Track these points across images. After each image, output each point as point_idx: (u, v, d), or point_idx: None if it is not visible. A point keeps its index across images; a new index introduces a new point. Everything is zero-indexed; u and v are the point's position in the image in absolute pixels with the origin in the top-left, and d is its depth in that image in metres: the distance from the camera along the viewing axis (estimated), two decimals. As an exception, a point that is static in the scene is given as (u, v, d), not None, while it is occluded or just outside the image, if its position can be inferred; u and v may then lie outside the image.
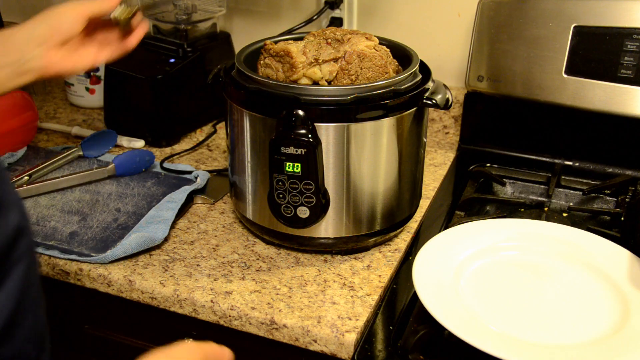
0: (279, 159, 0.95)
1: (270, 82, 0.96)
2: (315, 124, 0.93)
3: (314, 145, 0.93)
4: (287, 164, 0.95)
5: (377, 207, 1.02)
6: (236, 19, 1.54)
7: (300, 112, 0.93)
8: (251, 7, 1.51)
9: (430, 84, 1.01)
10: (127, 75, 1.36)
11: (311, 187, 0.96)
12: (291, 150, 0.94)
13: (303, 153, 0.94)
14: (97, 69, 1.49)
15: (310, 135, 0.93)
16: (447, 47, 1.39)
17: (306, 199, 0.97)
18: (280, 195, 0.98)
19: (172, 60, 1.36)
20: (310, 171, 0.95)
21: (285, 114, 0.93)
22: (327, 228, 1.01)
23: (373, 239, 1.05)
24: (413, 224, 1.13)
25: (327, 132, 0.94)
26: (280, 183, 0.97)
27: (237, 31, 1.54)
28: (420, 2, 1.37)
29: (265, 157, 0.97)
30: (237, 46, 1.45)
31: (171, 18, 1.40)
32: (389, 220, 1.04)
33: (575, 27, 1.19)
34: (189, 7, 1.39)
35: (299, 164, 0.95)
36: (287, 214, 0.99)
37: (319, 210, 0.98)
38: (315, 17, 1.39)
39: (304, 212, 0.98)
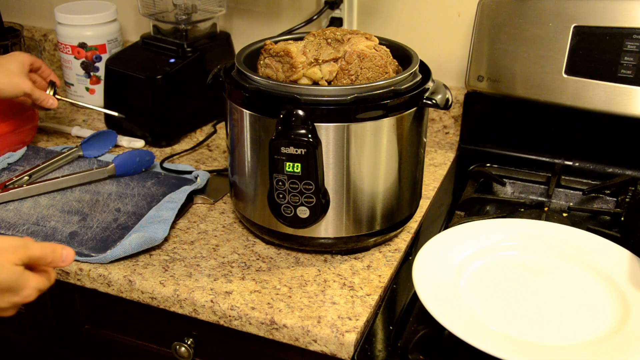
0: (279, 159, 0.95)
1: (270, 82, 0.96)
2: (315, 124, 0.93)
3: (314, 145, 0.93)
4: (287, 164, 0.95)
5: (377, 207, 1.02)
6: (236, 19, 1.54)
7: (300, 112, 0.93)
8: (251, 7, 1.51)
9: (430, 84, 1.01)
10: (127, 75, 1.36)
11: (311, 187, 0.96)
12: (291, 150, 0.94)
13: (303, 153, 0.94)
14: (97, 69, 1.49)
15: (310, 135, 0.93)
16: (447, 47, 1.39)
17: (306, 199, 0.97)
18: (280, 195, 0.98)
19: (172, 60, 1.36)
20: (310, 171, 0.95)
21: (285, 114, 0.93)
22: (327, 228, 1.01)
23: (373, 239, 1.05)
24: (413, 224, 1.13)
25: (327, 132, 0.94)
26: (280, 183, 0.97)
27: (237, 31, 1.54)
28: (420, 2, 1.37)
29: (265, 157, 0.97)
30: (237, 46, 1.45)
31: (171, 18, 1.40)
32: (389, 220, 1.04)
33: (575, 27, 1.19)
34: (189, 7, 1.39)
35: (299, 164, 0.95)
36: (287, 214, 0.99)
37: (319, 210, 0.98)
38: (315, 17, 1.39)
39: (304, 212, 0.98)
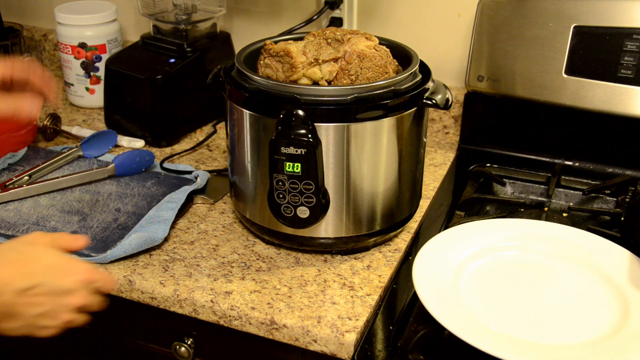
0: (278, 159, 0.95)
1: (270, 82, 0.96)
2: (315, 124, 0.93)
3: (314, 145, 0.93)
4: (287, 164, 0.95)
5: (377, 207, 1.02)
6: (236, 19, 1.54)
7: (300, 112, 0.93)
8: (251, 7, 1.51)
9: (430, 84, 1.01)
10: (127, 75, 1.36)
11: (311, 187, 0.96)
12: (291, 150, 0.94)
13: (303, 153, 0.94)
14: (97, 69, 1.49)
15: (310, 135, 0.93)
16: (447, 47, 1.39)
17: (306, 199, 0.97)
18: (280, 195, 0.98)
19: (172, 60, 1.36)
20: (310, 171, 0.95)
21: (285, 114, 0.93)
22: (327, 228, 1.01)
23: (373, 239, 1.05)
24: (413, 224, 1.13)
25: (327, 132, 0.94)
26: (280, 183, 0.97)
27: (237, 31, 1.54)
28: (420, 2, 1.37)
29: (265, 157, 0.97)
30: (237, 46, 1.45)
31: (171, 18, 1.40)
32: (389, 220, 1.04)
33: (575, 27, 1.19)
34: (189, 7, 1.39)
35: (299, 164, 0.95)
36: (287, 214, 0.99)
37: (319, 210, 0.98)
38: (315, 17, 1.39)
39: (304, 212, 0.98)
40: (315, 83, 0.99)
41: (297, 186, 0.96)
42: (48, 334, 0.80)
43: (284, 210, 0.99)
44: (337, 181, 0.98)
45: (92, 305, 0.82)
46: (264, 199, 1.00)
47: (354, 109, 0.94)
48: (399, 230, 1.09)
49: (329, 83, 0.99)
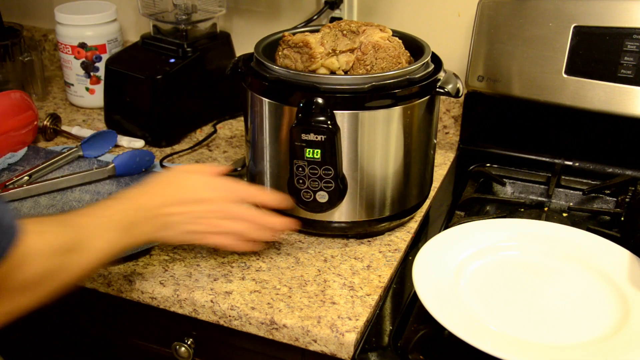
0: (299, 145, 0.98)
1: (290, 71, 0.99)
2: (333, 111, 0.96)
3: (334, 132, 0.96)
4: (308, 150, 0.97)
5: (388, 193, 1.04)
6: (236, 19, 1.54)
7: (320, 100, 0.95)
8: (251, 7, 1.51)
9: (441, 74, 1.04)
10: (127, 75, 1.36)
11: (330, 172, 0.99)
12: (311, 136, 0.96)
13: (323, 139, 0.96)
14: (97, 69, 1.49)
15: (329, 122, 0.95)
16: (447, 47, 1.38)
17: (325, 184, 1.00)
18: (300, 181, 1.00)
19: (172, 60, 1.36)
20: (330, 157, 0.98)
21: (305, 102, 0.96)
22: (341, 213, 1.03)
23: (384, 224, 1.07)
24: (413, 224, 1.13)
25: (343, 119, 0.97)
26: (300, 169, 0.99)
27: (237, 31, 1.54)
28: (420, 2, 1.37)
29: (285, 144, 0.99)
30: (237, 46, 1.45)
31: (171, 18, 1.40)
32: (400, 205, 1.07)
33: (575, 27, 1.19)
34: (189, 7, 1.39)
35: (319, 150, 0.97)
36: (306, 198, 1.02)
37: (338, 195, 1.01)
38: (315, 17, 1.39)
39: (322, 197, 1.01)
40: (333, 73, 1.01)
41: (316, 172, 0.99)
42: (205, 241, 0.95)
43: (303, 195, 1.01)
44: (352, 167, 1.00)
45: (245, 216, 0.95)
46: (282, 186, 1.03)
47: (370, 97, 0.96)
48: (409, 217, 1.12)
49: (346, 73, 1.02)
